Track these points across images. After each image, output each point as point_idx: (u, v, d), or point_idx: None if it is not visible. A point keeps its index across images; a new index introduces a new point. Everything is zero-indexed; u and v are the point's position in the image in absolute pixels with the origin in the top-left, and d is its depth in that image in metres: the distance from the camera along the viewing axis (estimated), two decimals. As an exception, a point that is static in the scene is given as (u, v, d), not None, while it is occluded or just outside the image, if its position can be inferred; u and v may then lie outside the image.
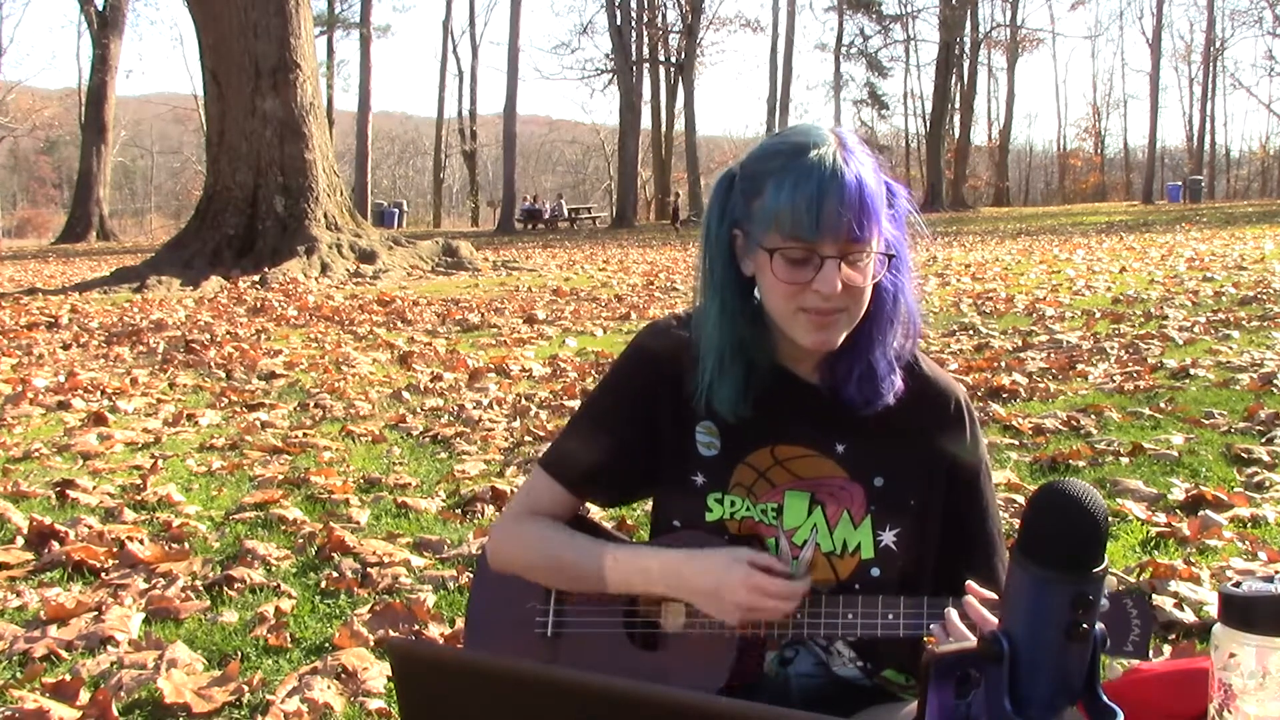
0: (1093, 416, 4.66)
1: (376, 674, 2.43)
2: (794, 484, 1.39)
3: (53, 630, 2.72)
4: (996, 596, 1.20)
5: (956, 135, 47.31)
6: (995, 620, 1.15)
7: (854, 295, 1.29)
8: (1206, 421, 4.49)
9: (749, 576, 1.30)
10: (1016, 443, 4.35)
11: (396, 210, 38.30)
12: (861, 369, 1.36)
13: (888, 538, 1.38)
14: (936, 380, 1.43)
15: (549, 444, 1.55)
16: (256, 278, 13.17)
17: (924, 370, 1.43)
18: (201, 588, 3.04)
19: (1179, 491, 3.52)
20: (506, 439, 4.76)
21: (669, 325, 1.47)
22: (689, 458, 1.42)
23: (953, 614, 1.21)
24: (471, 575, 2.96)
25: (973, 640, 0.83)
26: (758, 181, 1.29)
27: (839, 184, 1.23)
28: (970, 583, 1.23)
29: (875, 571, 1.38)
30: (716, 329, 1.35)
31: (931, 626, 1.25)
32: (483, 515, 3.67)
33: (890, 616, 1.29)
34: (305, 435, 4.98)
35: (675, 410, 1.42)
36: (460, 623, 2.68)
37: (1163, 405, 4.79)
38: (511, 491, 3.84)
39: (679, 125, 47.27)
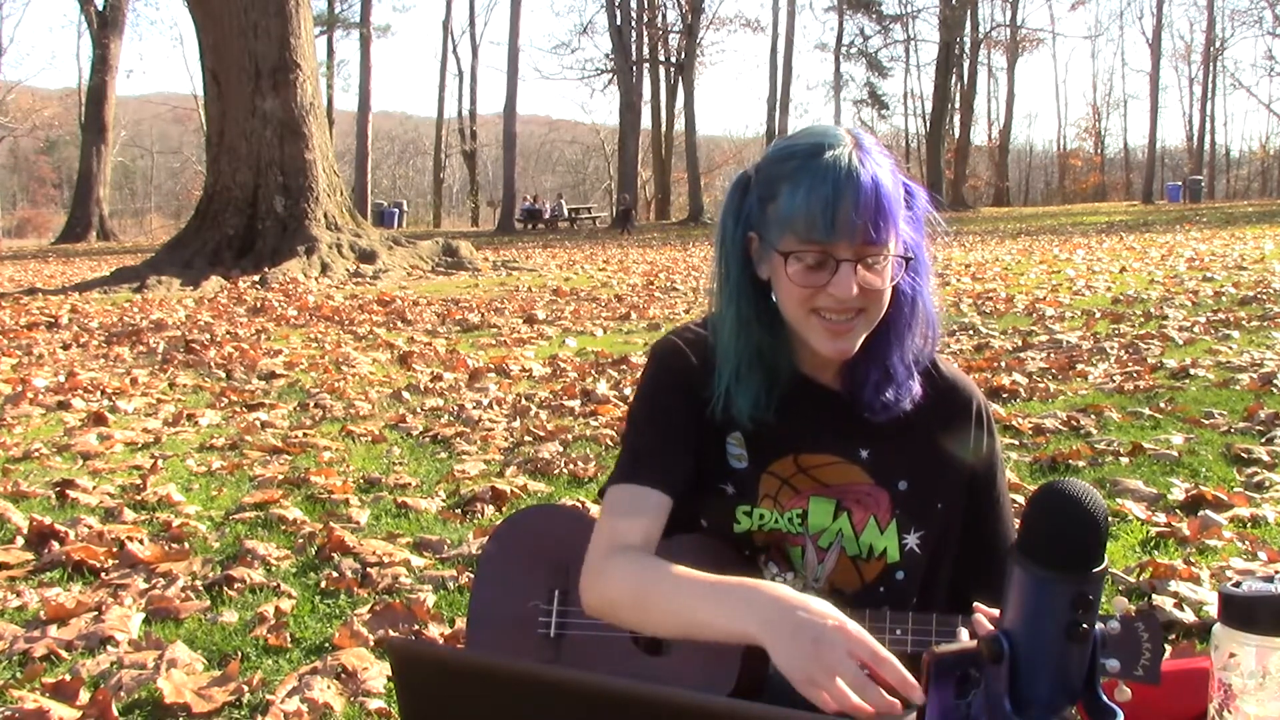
0: (1093, 416, 4.66)
1: (376, 674, 2.43)
2: (819, 490, 1.39)
3: (53, 630, 2.72)
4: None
5: (956, 135, 47.31)
6: None
7: (871, 298, 1.27)
8: (1206, 421, 4.49)
9: (861, 648, 1.05)
10: (1016, 443, 4.35)
11: (396, 210, 38.29)
12: (879, 374, 1.35)
13: (912, 540, 1.38)
14: (957, 383, 1.43)
15: (611, 473, 1.38)
16: (256, 278, 13.17)
17: (944, 373, 1.42)
18: (201, 588, 3.04)
19: (1179, 491, 3.52)
20: (506, 439, 4.76)
21: (687, 334, 1.44)
22: (720, 467, 1.41)
23: (964, 634, 1.21)
24: (471, 575, 2.96)
25: (972, 641, 0.83)
26: (773, 184, 1.27)
27: (855, 186, 1.21)
28: (978, 604, 1.23)
29: (900, 575, 1.38)
30: (733, 337, 1.34)
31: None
32: (483, 515, 3.67)
33: (899, 633, 1.28)
34: (305, 435, 4.98)
35: (705, 420, 1.40)
36: (460, 623, 2.68)
37: (1163, 405, 4.79)
38: (512, 492, 3.84)
39: (679, 125, 47.27)
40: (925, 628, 1.28)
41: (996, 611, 1.18)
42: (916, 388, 1.37)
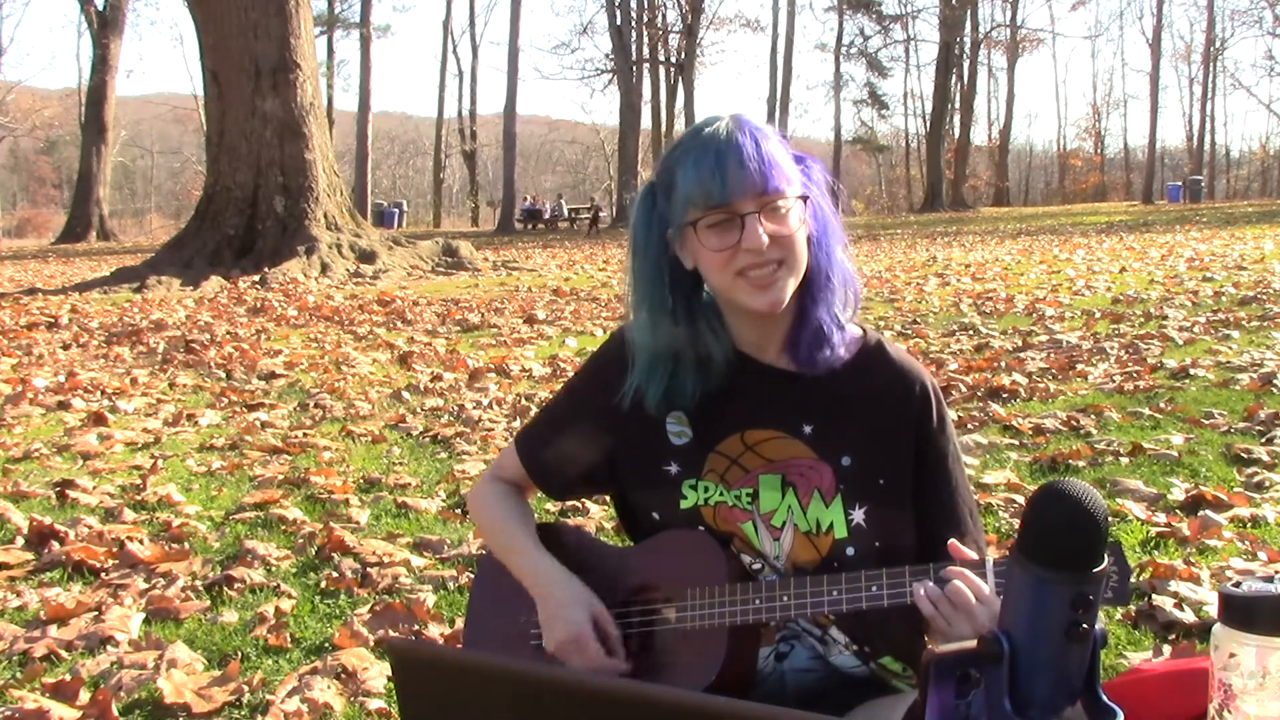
0: (1093, 416, 4.66)
1: (376, 674, 2.43)
2: (766, 467, 1.42)
3: (53, 630, 2.72)
4: (977, 556, 1.25)
5: (956, 135, 47.31)
6: (980, 582, 1.20)
7: (785, 245, 1.34)
8: (1206, 421, 4.49)
9: (578, 635, 1.41)
10: (1016, 443, 4.35)
11: (396, 210, 38.27)
12: (813, 329, 1.40)
13: (858, 516, 1.40)
14: (902, 364, 1.46)
15: (526, 423, 1.67)
16: (256, 278, 13.16)
17: (890, 355, 1.46)
18: (201, 588, 3.04)
19: (1179, 491, 3.52)
20: (506, 439, 4.76)
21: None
22: (661, 449, 1.46)
23: (948, 585, 1.23)
24: (471, 576, 2.97)
25: (972, 640, 0.83)
26: (669, 175, 1.37)
27: (735, 147, 1.31)
28: (953, 542, 1.26)
29: (850, 551, 1.40)
30: (644, 333, 1.42)
31: (916, 587, 1.27)
32: (483, 515, 3.67)
33: (874, 588, 1.31)
34: (305, 435, 4.98)
35: (642, 407, 1.46)
36: (460, 623, 2.68)
37: (1163, 405, 4.79)
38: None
39: (679, 125, 47.22)
40: (899, 579, 1.30)
41: (968, 552, 1.25)
42: (848, 337, 1.44)
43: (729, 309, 1.42)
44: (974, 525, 1.46)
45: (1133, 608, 2.65)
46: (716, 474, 1.43)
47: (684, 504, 1.43)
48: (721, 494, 1.43)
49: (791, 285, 1.36)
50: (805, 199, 1.36)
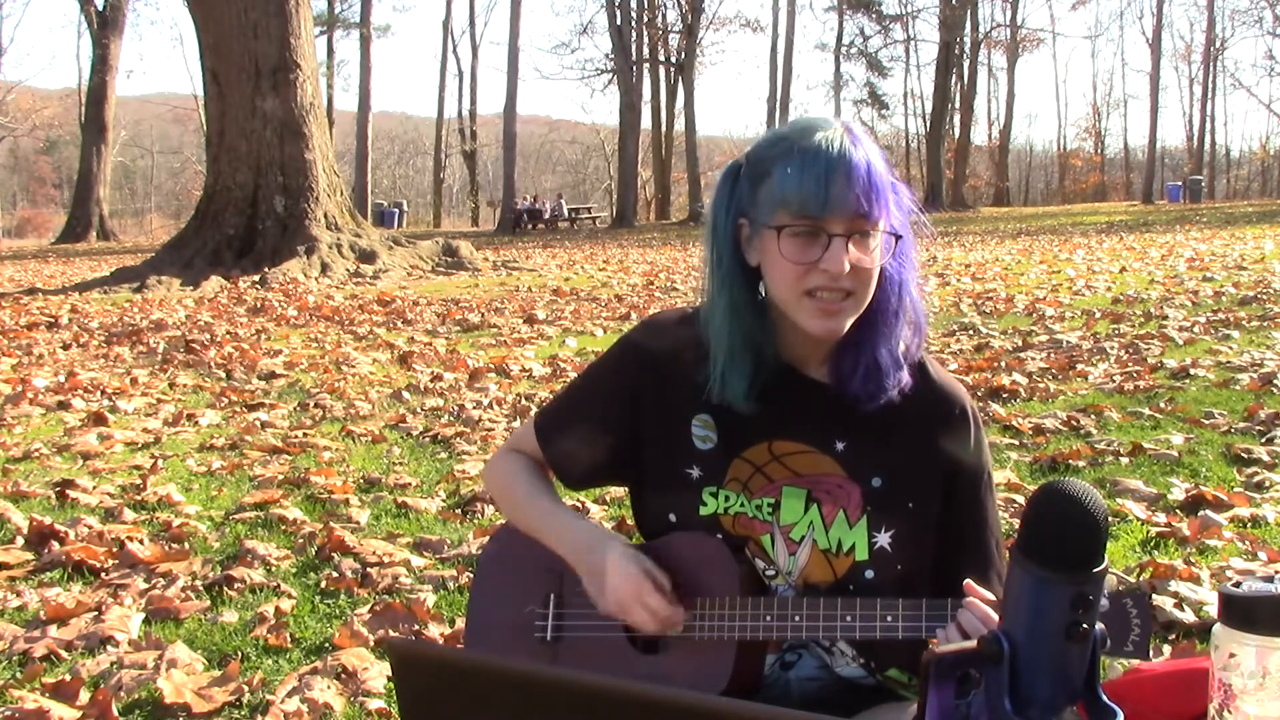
0: (1093, 416, 4.66)
1: (376, 674, 2.43)
2: (791, 480, 1.39)
3: (53, 630, 2.72)
4: (994, 597, 1.20)
5: (956, 135, 47.24)
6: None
7: (861, 278, 1.29)
8: (1206, 421, 4.49)
9: (637, 588, 1.33)
10: (1016, 443, 4.35)
11: (396, 210, 38.26)
12: (868, 363, 1.36)
13: (883, 539, 1.37)
14: (943, 385, 1.42)
15: (544, 405, 1.62)
16: (256, 278, 13.16)
17: (931, 374, 1.42)
18: (201, 588, 3.04)
19: (1179, 491, 3.52)
20: (506, 439, 4.75)
21: (670, 320, 1.48)
22: (683, 451, 1.42)
23: (964, 615, 1.20)
24: (471, 575, 2.96)
25: (973, 640, 0.83)
26: (764, 166, 1.30)
27: (847, 163, 1.25)
28: (969, 582, 1.22)
29: (869, 574, 1.37)
30: (726, 322, 1.35)
31: (938, 631, 1.24)
32: (483, 515, 3.67)
33: (889, 619, 1.28)
34: (305, 435, 4.98)
35: (666, 405, 1.43)
36: (460, 623, 2.68)
37: (1163, 405, 4.79)
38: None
39: (679, 125, 47.22)
40: (915, 613, 1.27)
41: (985, 592, 1.20)
42: (905, 377, 1.38)
43: (779, 317, 1.37)
44: (998, 557, 1.42)
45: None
46: (739, 482, 1.39)
47: (703, 510, 1.40)
48: (742, 504, 1.39)
49: (853, 317, 1.32)
50: (898, 238, 1.31)
